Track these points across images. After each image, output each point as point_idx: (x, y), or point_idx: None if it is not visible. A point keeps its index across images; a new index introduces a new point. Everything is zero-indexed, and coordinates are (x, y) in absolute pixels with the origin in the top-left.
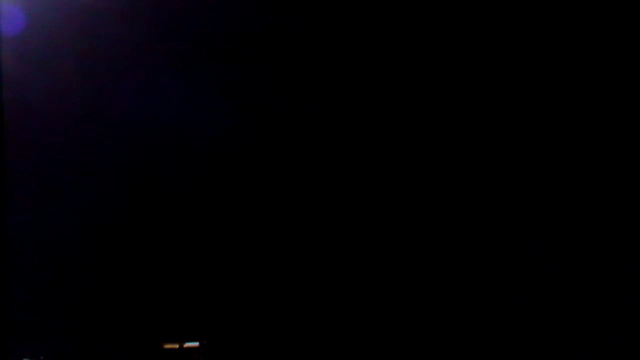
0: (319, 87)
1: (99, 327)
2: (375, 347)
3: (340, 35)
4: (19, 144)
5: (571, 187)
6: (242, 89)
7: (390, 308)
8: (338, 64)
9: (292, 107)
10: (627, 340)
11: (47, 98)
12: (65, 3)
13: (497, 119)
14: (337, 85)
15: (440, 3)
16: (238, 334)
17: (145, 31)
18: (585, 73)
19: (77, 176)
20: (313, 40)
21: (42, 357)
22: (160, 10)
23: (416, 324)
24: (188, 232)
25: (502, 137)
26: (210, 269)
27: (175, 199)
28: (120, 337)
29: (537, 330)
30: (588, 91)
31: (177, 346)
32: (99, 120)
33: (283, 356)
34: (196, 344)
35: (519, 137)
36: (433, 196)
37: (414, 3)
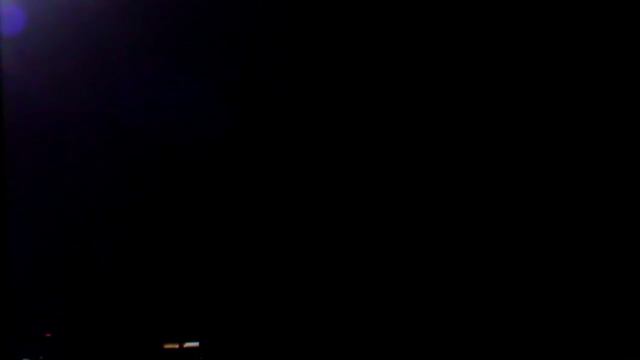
0: (318, 87)
1: (99, 327)
2: (372, 346)
3: (338, 36)
4: (19, 143)
5: (566, 188)
6: (242, 89)
7: (387, 309)
8: (336, 65)
9: (290, 106)
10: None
11: (47, 98)
12: (65, 3)
13: (491, 119)
14: (335, 85)
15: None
16: (238, 334)
17: (145, 31)
18: (580, 76)
19: (77, 176)
20: (311, 42)
21: (42, 357)
22: (159, 10)
23: (411, 324)
24: (188, 233)
25: (496, 137)
26: (209, 270)
27: (176, 199)
28: (120, 337)
29: (533, 328)
30: (583, 92)
31: (177, 346)
32: (98, 119)
33: (283, 356)
34: (196, 344)
35: (513, 136)
36: (430, 195)
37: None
